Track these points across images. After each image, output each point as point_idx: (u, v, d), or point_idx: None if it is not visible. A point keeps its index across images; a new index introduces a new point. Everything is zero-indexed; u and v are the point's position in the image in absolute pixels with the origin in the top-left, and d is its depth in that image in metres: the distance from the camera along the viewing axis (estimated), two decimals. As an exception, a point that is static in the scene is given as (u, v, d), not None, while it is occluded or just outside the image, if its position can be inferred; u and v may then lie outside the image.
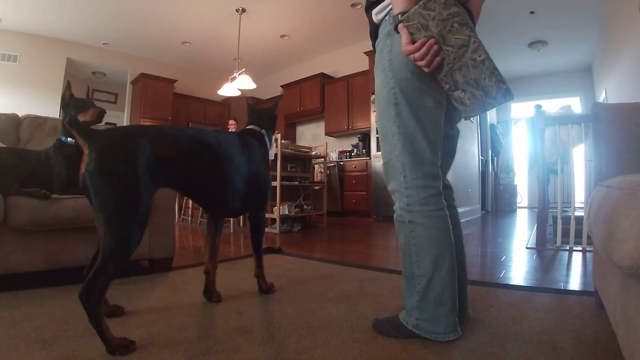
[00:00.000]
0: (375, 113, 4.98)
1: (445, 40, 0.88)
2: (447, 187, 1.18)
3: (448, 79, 0.91)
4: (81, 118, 1.70)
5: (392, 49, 1.02)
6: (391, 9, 1.01)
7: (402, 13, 0.92)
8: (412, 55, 0.92)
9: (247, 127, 1.54)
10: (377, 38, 1.11)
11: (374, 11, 1.09)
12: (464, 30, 0.85)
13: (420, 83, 0.99)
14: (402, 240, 1.04)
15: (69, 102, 1.71)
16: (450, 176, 4.21)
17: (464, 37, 0.86)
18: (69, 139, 1.70)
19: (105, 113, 1.76)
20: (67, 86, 1.72)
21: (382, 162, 1.10)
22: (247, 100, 1.62)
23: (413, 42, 0.92)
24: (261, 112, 1.60)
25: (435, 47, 0.89)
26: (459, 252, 1.08)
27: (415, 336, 1.02)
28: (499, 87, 0.86)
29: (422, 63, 0.92)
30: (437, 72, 0.93)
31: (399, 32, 0.96)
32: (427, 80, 0.98)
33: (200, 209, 4.27)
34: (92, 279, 0.90)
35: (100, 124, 1.82)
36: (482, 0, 1.07)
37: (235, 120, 5.60)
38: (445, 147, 1.10)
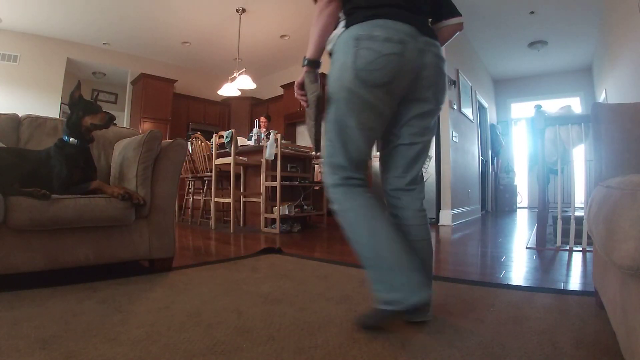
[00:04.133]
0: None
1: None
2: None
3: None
4: (89, 121, 1.71)
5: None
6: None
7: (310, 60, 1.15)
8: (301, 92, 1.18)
9: None
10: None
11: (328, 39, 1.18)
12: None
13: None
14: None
15: (77, 102, 1.71)
16: (450, 176, 4.18)
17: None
18: (71, 139, 1.70)
19: (115, 119, 1.77)
20: (77, 86, 1.72)
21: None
22: None
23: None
24: None
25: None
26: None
27: (387, 316, 1.07)
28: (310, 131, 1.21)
29: (304, 99, 1.18)
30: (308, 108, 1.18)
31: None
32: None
33: (200, 208, 4.28)
34: None
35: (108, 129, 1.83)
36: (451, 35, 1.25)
37: (266, 117, 5.31)
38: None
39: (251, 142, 4.45)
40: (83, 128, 1.71)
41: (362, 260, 1.11)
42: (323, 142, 1.20)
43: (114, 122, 1.79)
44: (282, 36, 5.82)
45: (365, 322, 1.11)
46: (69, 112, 1.73)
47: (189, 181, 4.52)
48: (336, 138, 1.13)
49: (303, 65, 1.16)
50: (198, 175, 4.27)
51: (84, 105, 1.71)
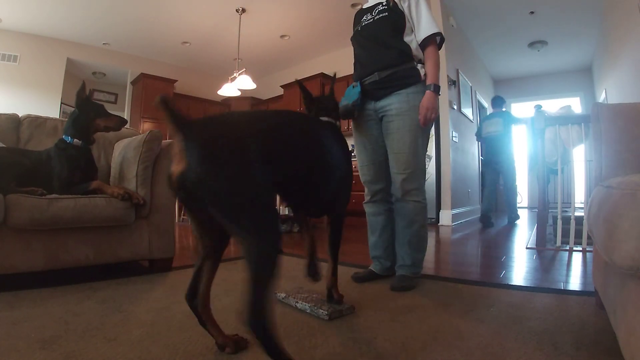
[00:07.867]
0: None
1: None
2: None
3: None
4: (103, 124, 1.75)
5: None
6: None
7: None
8: None
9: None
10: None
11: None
12: None
13: None
14: (421, 221, 1.66)
15: (86, 103, 1.72)
16: (450, 176, 4.15)
17: None
18: (75, 140, 1.70)
19: (126, 123, 1.83)
20: (83, 86, 1.74)
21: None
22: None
23: None
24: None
25: None
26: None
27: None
28: None
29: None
30: None
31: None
32: None
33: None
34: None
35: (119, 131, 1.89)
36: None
37: None
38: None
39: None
40: (92, 129, 1.72)
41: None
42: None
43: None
44: (282, 36, 5.81)
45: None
46: (76, 112, 1.72)
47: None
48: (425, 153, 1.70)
49: (434, 91, 1.59)
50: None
51: (95, 107, 1.73)
